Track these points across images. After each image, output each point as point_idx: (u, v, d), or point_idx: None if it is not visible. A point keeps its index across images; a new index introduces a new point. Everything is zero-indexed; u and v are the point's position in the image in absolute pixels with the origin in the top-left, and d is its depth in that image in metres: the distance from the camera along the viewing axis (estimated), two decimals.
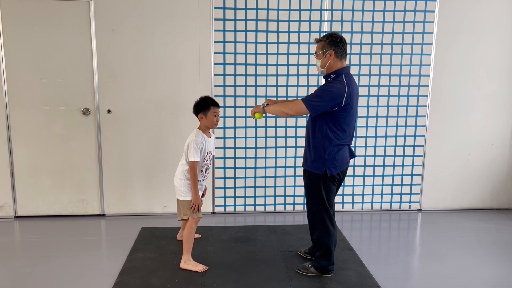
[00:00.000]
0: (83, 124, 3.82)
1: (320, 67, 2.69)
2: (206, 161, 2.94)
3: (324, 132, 2.63)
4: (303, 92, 3.94)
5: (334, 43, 2.62)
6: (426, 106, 4.06)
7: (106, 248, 3.39)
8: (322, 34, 2.72)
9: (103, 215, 3.99)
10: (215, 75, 3.85)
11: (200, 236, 3.43)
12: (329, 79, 2.67)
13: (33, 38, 3.65)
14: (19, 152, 3.80)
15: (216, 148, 3.94)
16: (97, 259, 3.12)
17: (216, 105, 2.89)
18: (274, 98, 3.77)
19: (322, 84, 2.77)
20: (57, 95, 3.75)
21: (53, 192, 3.89)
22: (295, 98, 3.61)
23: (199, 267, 2.91)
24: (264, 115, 2.85)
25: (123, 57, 3.76)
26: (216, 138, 3.93)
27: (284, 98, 3.92)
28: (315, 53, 2.72)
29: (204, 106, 2.87)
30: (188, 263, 2.93)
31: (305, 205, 2.91)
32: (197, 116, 2.92)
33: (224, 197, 4.07)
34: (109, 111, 3.82)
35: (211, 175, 3.98)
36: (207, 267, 2.93)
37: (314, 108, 2.57)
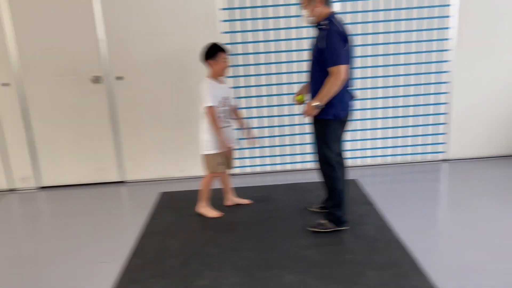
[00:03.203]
0: (95, 92, 3.80)
1: (309, 16, 2.64)
2: (224, 107, 2.97)
3: (326, 77, 2.56)
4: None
5: None
6: (450, 50, 3.79)
7: (126, 213, 3.45)
8: None
9: (123, 182, 4.04)
10: (222, 32, 3.71)
11: (250, 201, 3.36)
12: (321, 27, 2.60)
13: (39, 6, 3.60)
14: (36, 124, 3.84)
15: None
16: (117, 225, 3.18)
17: (225, 51, 2.91)
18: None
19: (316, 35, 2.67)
20: (67, 64, 3.73)
21: (73, 161, 3.95)
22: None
23: (213, 213, 3.11)
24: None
25: (130, 21, 3.66)
26: None
27: (295, 53, 3.75)
28: (301, 3, 2.67)
29: (213, 52, 2.89)
30: (203, 208, 3.15)
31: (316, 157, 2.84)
32: (206, 63, 2.92)
33: (242, 157, 4.03)
34: (120, 78, 3.78)
35: None
36: (223, 214, 3.12)
37: (343, 59, 2.52)
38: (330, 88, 2.54)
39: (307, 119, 2.76)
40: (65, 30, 3.66)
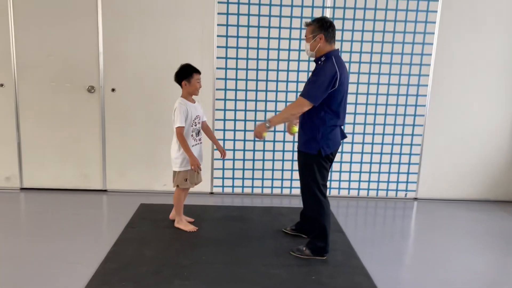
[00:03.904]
0: (87, 101, 3.94)
1: (310, 50, 2.73)
2: (196, 125, 3.12)
3: (318, 113, 2.68)
4: (303, 77, 3.98)
5: (324, 28, 2.67)
6: (426, 95, 4.07)
7: (105, 221, 3.52)
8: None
9: (105, 190, 4.12)
10: (217, 57, 3.92)
11: (192, 220, 3.43)
12: (319, 62, 2.71)
13: (42, 16, 3.77)
14: (26, 126, 3.95)
15: (216, 130, 4.03)
16: (95, 231, 3.25)
17: (199, 72, 3.08)
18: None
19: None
20: (64, 72, 3.88)
21: (58, 166, 4.04)
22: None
23: (189, 227, 3.24)
24: (269, 130, 2.82)
25: (128, 38, 3.85)
26: (216, 120, 4.02)
27: (284, 84, 3.98)
28: (305, 36, 2.77)
29: (188, 73, 3.05)
30: (180, 222, 3.27)
31: (300, 186, 2.96)
32: (180, 83, 3.08)
33: (223, 178, 4.17)
34: (113, 90, 3.93)
35: (210, 155, 4.07)
36: (197, 228, 3.25)
37: (315, 99, 2.62)
38: (285, 113, 2.69)
39: (261, 139, 2.79)
40: (68, 39, 3.82)
